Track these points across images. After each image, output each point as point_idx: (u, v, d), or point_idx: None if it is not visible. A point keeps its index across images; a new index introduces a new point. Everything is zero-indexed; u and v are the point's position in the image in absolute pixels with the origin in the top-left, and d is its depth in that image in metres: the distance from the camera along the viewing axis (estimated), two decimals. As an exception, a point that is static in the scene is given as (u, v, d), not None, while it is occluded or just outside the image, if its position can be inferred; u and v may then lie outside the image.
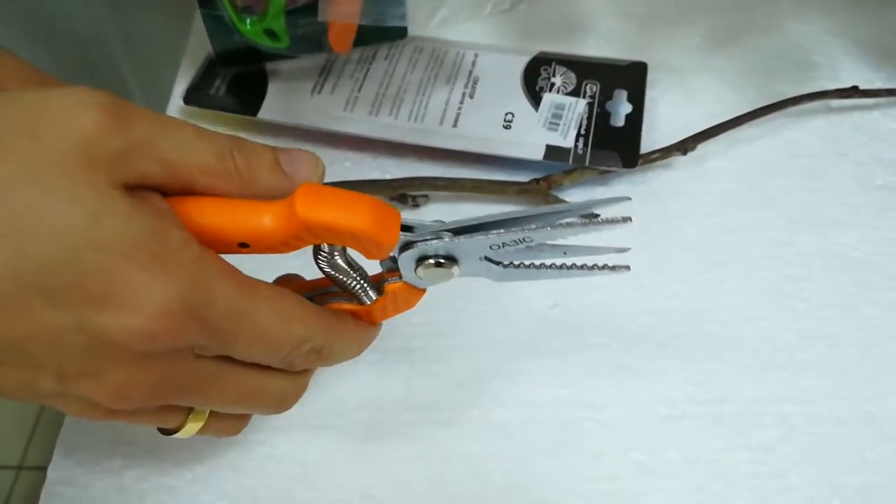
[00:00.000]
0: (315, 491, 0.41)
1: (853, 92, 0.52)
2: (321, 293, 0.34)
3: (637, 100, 0.53)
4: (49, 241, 0.26)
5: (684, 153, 0.50)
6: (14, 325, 0.26)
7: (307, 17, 0.51)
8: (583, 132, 0.51)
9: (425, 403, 0.43)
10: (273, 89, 0.55)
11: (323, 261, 0.32)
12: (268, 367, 0.32)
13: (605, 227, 0.32)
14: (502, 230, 0.32)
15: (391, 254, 0.32)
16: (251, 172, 0.30)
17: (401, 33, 0.57)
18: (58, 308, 0.26)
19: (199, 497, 0.41)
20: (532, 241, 0.32)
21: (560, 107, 0.53)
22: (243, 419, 0.37)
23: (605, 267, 0.35)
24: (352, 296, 0.33)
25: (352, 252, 0.32)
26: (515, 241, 0.32)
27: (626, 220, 0.33)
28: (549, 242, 0.34)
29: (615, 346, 0.44)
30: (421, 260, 0.33)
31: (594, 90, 0.54)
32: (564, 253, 0.34)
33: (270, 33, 0.52)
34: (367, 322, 0.35)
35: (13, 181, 0.26)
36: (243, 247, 0.31)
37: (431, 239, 0.32)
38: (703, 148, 0.51)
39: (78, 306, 0.26)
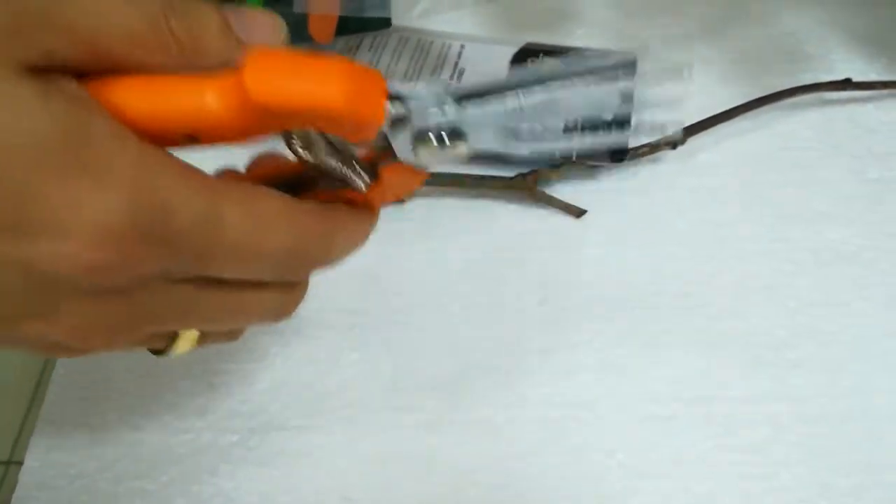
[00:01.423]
0: (294, 493, 0.40)
1: (847, 84, 0.51)
2: (306, 179, 0.27)
3: (626, 92, 0.52)
4: None
5: (674, 147, 0.49)
6: None
7: (286, 6, 0.50)
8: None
9: (408, 402, 0.42)
10: None
11: (298, 146, 0.25)
12: (258, 283, 0.27)
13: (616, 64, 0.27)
14: (519, 94, 0.25)
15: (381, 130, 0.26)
16: (194, 40, 0.24)
17: (384, 23, 0.56)
18: None
19: (173, 500, 0.40)
20: (557, 105, 0.26)
21: (548, 99, 0.52)
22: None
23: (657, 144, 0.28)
24: (341, 182, 0.26)
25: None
26: (536, 106, 0.25)
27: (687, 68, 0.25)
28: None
29: (602, 343, 0.43)
30: (419, 138, 0.26)
31: (583, 82, 0.53)
32: (585, 85, 0.27)
33: None
34: (364, 208, 0.28)
35: None
36: (191, 140, 0.24)
37: (430, 109, 0.25)
38: (694, 141, 0.50)
39: (3, 237, 0.21)
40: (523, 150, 0.27)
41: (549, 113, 0.26)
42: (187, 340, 0.28)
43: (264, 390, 0.43)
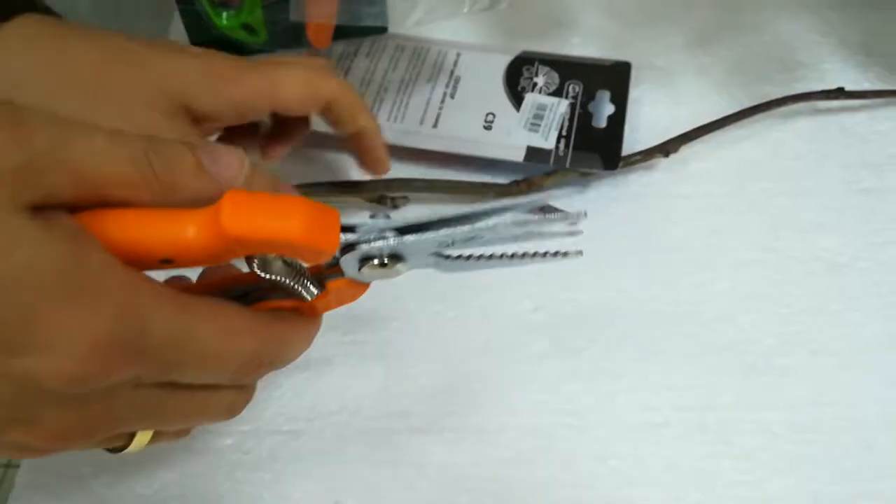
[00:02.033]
0: (286, 498, 0.40)
1: (839, 93, 0.51)
2: (255, 288, 0.31)
3: (620, 101, 0.53)
4: None
5: (666, 155, 0.50)
6: None
7: (283, 12, 0.50)
8: (564, 133, 0.51)
9: (400, 408, 0.43)
10: None
11: (257, 267, 0.29)
12: (215, 384, 0.30)
13: (559, 222, 0.30)
14: (451, 229, 0.30)
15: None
16: (171, 177, 0.27)
17: (380, 30, 0.56)
18: None
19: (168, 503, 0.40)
20: (483, 237, 0.30)
21: (542, 107, 0.52)
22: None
23: (556, 253, 0.32)
24: (290, 293, 0.30)
25: None
26: (465, 239, 0.30)
27: (582, 214, 0.29)
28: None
29: (595, 350, 0.44)
30: (364, 260, 0.30)
31: (577, 90, 0.53)
32: (516, 238, 0.30)
33: (248, 28, 0.52)
34: (310, 315, 0.32)
35: None
36: (166, 263, 0.28)
37: (376, 240, 0.30)
38: (687, 150, 0.50)
39: None
40: (455, 269, 0.32)
41: (475, 242, 0.30)
42: (143, 438, 0.31)
43: (258, 395, 0.43)
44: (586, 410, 0.42)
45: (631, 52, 0.55)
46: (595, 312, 0.45)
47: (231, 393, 0.31)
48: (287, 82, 0.41)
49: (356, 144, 0.46)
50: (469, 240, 0.30)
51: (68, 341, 0.24)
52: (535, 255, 0.32)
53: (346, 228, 0.29)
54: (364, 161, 0.47)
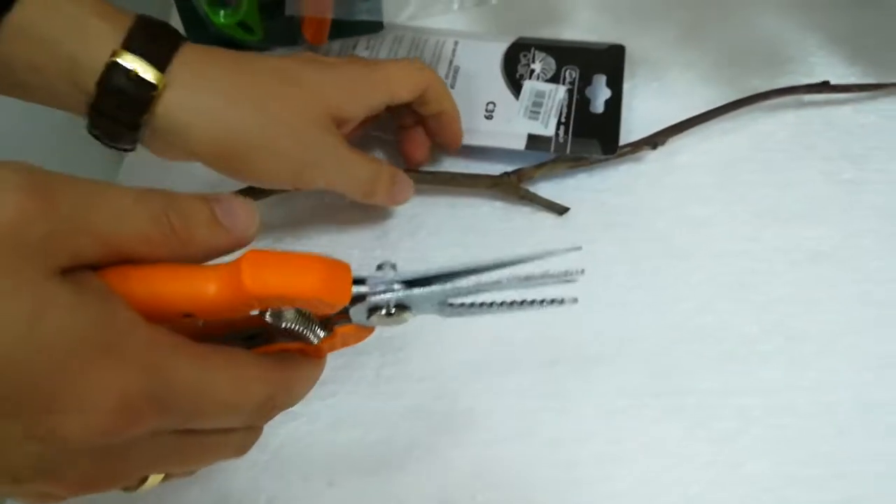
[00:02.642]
0: (281, 479, 0.42)
1: (823, 87, 0.53)
2: (262, 331, 0.33)
3: (616, 84, 0.54)
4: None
5: (654, 147, 0.51)
6: None
7: (280, 10, 0.51)
8: (563, 120, 0.52)
9: (392, 392, 0.44)
10: None
11: (270, 317, 0.30)
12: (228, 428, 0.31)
13: (558, 281, 0.32)
14: (456, 283, 0.31)
15: None
16: (188, 232, 0.29)
17: (376, 26, 0.57)
18: (4, 418, 0.24)
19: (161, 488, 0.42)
20: (486, 291, 0.32)
21: (540, 94, 0.54)
22: None
23: (553, 301, 0.33)
24: (298, 337, 0.31)
25: None
26: (469, 293, 0.32)
27: (579, 273, 0.31)
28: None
29: (579, 336, 0.45)
30: (373, 310, 0.31)
31: (573, 76, 0.55)
32: (513, 288, 0.32)
33: (244, 26, 0.53)
34: (315, 357, 0.33)
35: None
36: (186, 317, 0.29)
37: (384, 292, 0.31)
38: (675, 142, 0.52)
39: (27, 414, 0.24)
40: (458, 315, 0.33)
41: (479, 293, 0.32)
42: (155, 479, 0.32)
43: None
44: (569, 395, 0.44)
45: (622, 44, 0.57)
46: (581, 300, 0.46)
47: (242, 434, 0.32)
48: (399, 78, 0.47)
49: (437, 123, 0.50)
50: (474, 293, 0.32)
51: (98, 398, 0.25)
52: (532, 302, 0.33)
53: (357, 281, 0.31)
54: (443, 137, 0.51)
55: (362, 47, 0.57)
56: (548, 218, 0.50)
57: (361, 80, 0.46)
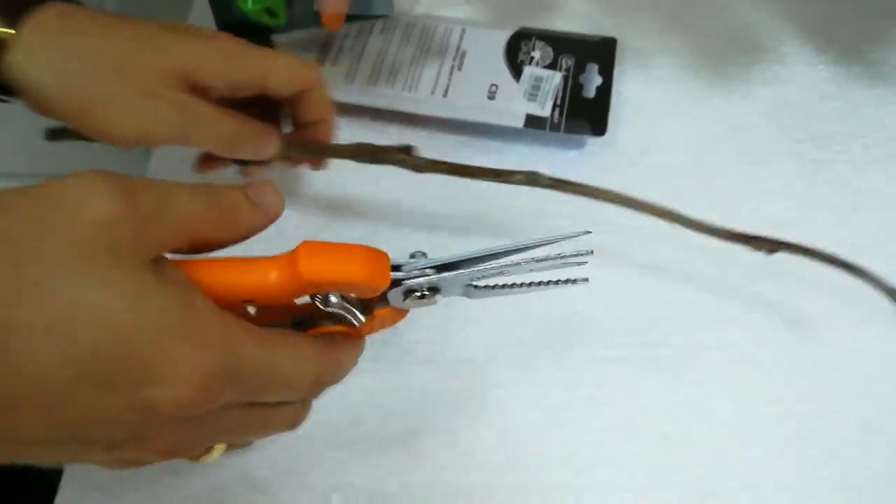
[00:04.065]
0: (309, 418, 0.48)
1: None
2: (309, 317, 0.36)
3: (607, 73, 0.60)
4: (96, 328, 0.27)
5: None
6: (70, 411, 0.28)
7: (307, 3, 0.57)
8: (558, 103, 0.58)
9: (405, 344, 0.50)
10: None
11: (319, 302, 0.34)
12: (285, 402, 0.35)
13: (571, 262, 0.36)
14: (481, 266, 0.35)
15: None
16: (234, 213, 0.33)
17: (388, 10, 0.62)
18: (109, 390, 0.28)
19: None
20: (508, 272, 0.36)
21: (539, 79, 0.59)
22: None
23: (567, 281, 0.38)
24: (340, 320, 0.35)
25: None
26: (493, 275, 0.36)
27: (589, 252, 0.36)
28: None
29: (569, 296, 0.50)
30: (408, 293, 0.35)
31: (569, 63, 0.60)
32: (531, 270, 0.37)
33: (270, 11, 0.58)
34: (356, 338, 0.37)
35: (52, 277, 0.27)
36: (247, 302, 0.33)
37: (418, 276, 0.35)
38: (656, 125, 0.58)
39: (127, 386, 0.28)
40: (482, 296, 0.38)
41: (500, 276, 0.36)
42: (219, 449, 0.37)
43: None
44: (562, 346, 0.50)
45: (612, 33, 0.62)
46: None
47: (295, 408, 0.36)
48: (278, 68, 0.47)
49: (312, 134, 0.51)
50: (496, 275, 0.36)
51: (184, 373, 0.28)
52: (549, 283, 0.38)
53: (394, 267, 0.35)
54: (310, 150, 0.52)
55: (377, 31, 0.62)
56: (538, 196, 0.55)
57: (233, 54, 0.46)
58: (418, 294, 0.35)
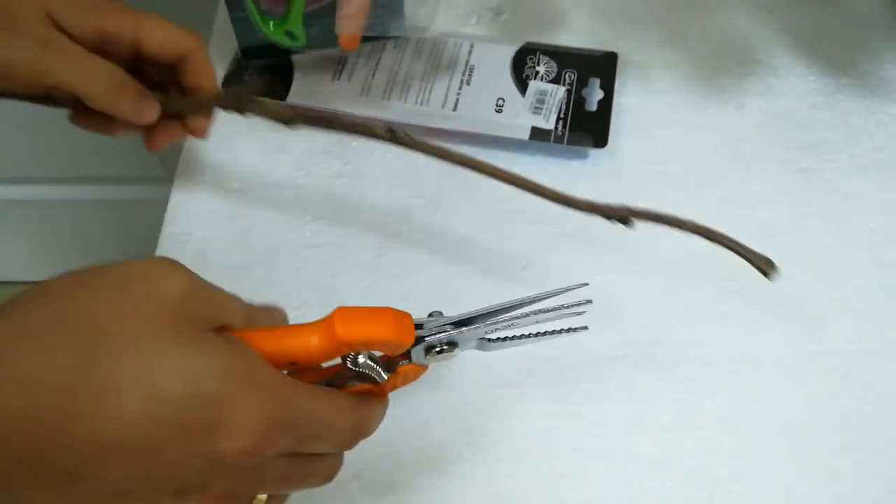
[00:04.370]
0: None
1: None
2: (338, 377, 0.39)
3: (608, 87, 0.63)
4: (177, 381, 0.31)
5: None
6: (151, 458, 0.31)
7: (320, 19, 0.60)
8: (562, 115, 0.61)
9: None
10: (298, 78, 0.64)
11: (350, 362, 0.37)
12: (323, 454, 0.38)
13: (572, 311, 0.40)
14: (492, 321, 0.39)
15: None
16: (258, 312, 0.38)
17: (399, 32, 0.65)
18: (186, 438, 0.31)
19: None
20: (517, 325, 0.40)
21: (543, 93, 0.63)
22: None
23: (569, 330, 0.42)
24: (367, 378, 0.38)
25: None
26: (504, 328, 0.39)
27: (588, 302, 0.41)
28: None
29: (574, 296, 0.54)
30: (429, 349, 0.39)
31: (572, 78, 0.64)
32: (537, 321, 0.40)
33: (290, 34, 0.61)
34: (380, 395, 0.40)
35: (142, 338, 0.31)
36: (291, 364, 0.36)
37: (437, 333, 0.38)
38: (658, 135, 0.61)
39: (201, 434, 0.31)
40: (494, 349, 0.42)
41: (509, 329, 0.40)
42: (260, 501, 0.39)
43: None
44: (566, 345, 0.51)
45: (612, 48, 0.65)
46: (575, 269, 0.54)
47: (332, 460, 0.39)
48: (153, 28, 0.48)
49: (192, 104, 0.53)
50: (507, 328, 0.40)
51: (248, 421, 0.32)
52: (553, 332, 0.42)
53: (416, 326, 0.38)
54: (191, 120, 0.54)
55: (390, 48, 0.65)
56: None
57: (103, 7, 0.47)
58: (437, 349, 0.39)
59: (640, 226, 0.56)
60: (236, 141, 0.62)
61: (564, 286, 0.41)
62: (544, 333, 0.42)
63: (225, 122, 0.55)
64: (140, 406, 0.30)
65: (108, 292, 0.32)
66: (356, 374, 0.38)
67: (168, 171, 1.27)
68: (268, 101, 0.52)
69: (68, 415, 0.30)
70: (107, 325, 0.31)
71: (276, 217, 0.59)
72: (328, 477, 0.39)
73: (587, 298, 0.40)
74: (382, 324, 0.37)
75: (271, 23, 0.61)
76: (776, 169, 0.60)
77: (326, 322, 0.36)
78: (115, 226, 1.40)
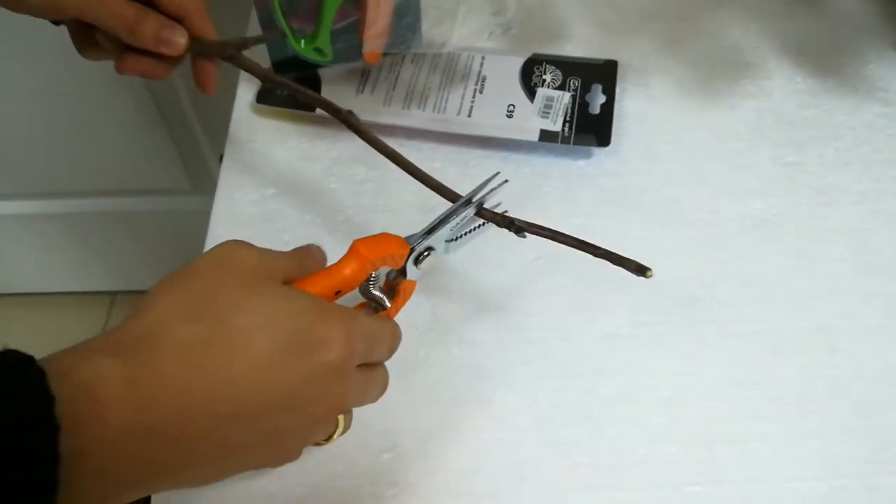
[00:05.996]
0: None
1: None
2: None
3: (609, 91, 0.68)
4: (284, 318, 0.40)
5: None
6: (283, 377, 0.40)
7: (344, 36, 0.64)
8: (568, 119, 0.66)
9: (446, 329, 0.58)
10: (325, 90, 0.69)
11: (365, 291, 0.48)
12: (378, 364, 0.47)
13: (492, 189, 0.50)
14: (451, 217, 0.49)
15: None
16: (311, 269, 0.46)
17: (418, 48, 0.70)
18: (304, 355, 0.40)
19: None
20: (466, 218, 0.50)
21: (550, 99, 0.68)
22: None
23: (504, 213, 0.52)
24: (379, 306, 0.49)
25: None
26: (459, 222, 0.50)
27: (505, 181, 0.50)
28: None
29: (581, 285, 0.59)
30: (417, 258, 0.49)
31: (576, 84, 0.69)
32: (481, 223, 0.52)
33: (318, 50, 0.66)
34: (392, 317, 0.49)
35: (244, 297, 0.40)
36: (337, 294, 0.46)
37: (420, 241, 0.49)
38: (653, 136, 0.66)
39: (311, 351, 0.40)
40: (457, 248, 0.52)
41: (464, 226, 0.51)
42: (340, 429, 0.47)
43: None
44: (573, 327, 0.57)
45: (613, 56, 0.70)
46: (582, 260, 0.55)
47: (383, 370, 0.48)
48: None
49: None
50: (463, 225, 0.50)
51: (337, 334, 0.41)
52: (486, 211, 0.51)
53: (406, 241, 0.49)
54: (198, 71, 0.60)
55: (408, 61, 0.70)
56: (555, 194, 0.64)
57: None
58: (425, 254, 0.49)
59: (643, 217, 0.61)
60: (271, 151, 0.67)
61: (484, 180, 0.50)
62: (482, 217, 0.51)
63: (261, 133, 0.61)
64: (266, 339, 0.39)
65: (207, 273, 0.42)
66: (372, 303, 0.49)
67: (194, 183, 1.33)
68: (256, 63, 0.60)
69: (222, 364, 0.38)
70: (217, 295, 0.40)
71: (309, 219, 0.64)
72: (385, 384, 0.47)
73: (504, 179, 0.50)
74: (390, 240, 0.48)
75: (303, 42, 0.66)
76: (767, 164, 0.64)
77: (351, 252, 0.46)
78: (145, 236, 1.45)
